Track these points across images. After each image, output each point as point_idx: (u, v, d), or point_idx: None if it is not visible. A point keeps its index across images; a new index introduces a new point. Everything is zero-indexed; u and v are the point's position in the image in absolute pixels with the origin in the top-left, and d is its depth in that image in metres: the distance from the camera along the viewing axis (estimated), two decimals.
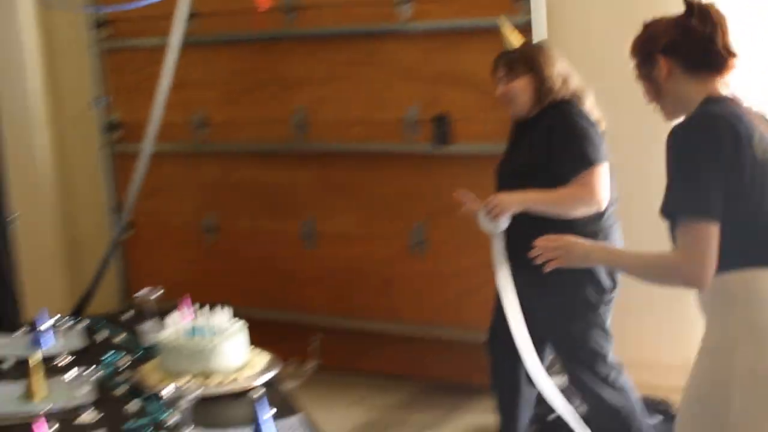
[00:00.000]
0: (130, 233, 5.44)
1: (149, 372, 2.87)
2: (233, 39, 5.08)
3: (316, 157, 4.99)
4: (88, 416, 2.62)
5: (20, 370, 2.99)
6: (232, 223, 5.26)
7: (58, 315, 3.53)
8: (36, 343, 3.25)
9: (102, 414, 2.64)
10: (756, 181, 2.25)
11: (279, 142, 5.02)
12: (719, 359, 2.28)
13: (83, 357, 3.17)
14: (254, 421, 2.35)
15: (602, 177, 3.27)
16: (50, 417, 2.57)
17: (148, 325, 3.43)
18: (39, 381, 2.76)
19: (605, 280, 3.38)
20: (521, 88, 3.43)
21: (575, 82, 3.46)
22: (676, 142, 2.29)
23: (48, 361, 3.06)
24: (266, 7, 4.56)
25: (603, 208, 3.29)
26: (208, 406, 2.62)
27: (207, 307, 3.01)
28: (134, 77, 5.39)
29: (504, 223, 3.27)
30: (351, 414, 4.50)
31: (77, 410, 2.65)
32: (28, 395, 2.75)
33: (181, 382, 2.69)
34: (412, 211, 4.73)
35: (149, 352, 3.15)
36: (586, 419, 3.44)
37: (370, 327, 4.95)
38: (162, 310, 3.50)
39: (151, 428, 2.51)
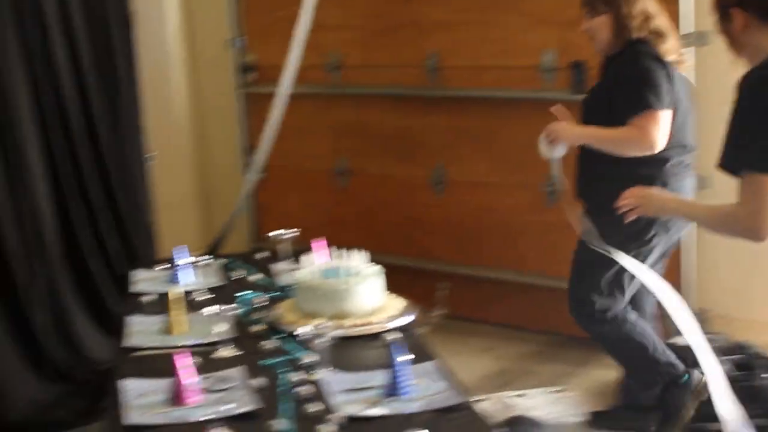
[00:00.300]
0: (262, 176, 5.50)
1: (285, 311, 2.90)
2: None
3: (449, 102, 4.92)
4: (226, 352, 2.67)
5: (160, 304, 3.07)
6: (363, 167, 5.26)
7: (196, 253, 3.59)
8: (175, 279, 3.32)
9: (239, 350, 2.68)
10: None
11: (412, 86, 4.98)
12: None
13: (220, 294, 3.22)
14: (390, 365, 2.34)
15: (658, 122, 3.27)
16: (190, 351, 2.62)
17: (283, 266, 3.47)
18: (179, 316, 2.82)
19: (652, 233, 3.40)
20: (600, 25, 3.44)
21: (657, 22, 3.40)
22: (742, 91, 2.27)
23: (187, 296, 3.12)
24: None
25: (655, 151, 3.29)
26: (343, 348, 2.63)
27: (343, 250, 3.00)
28: (270, 18, 5.41)
29: (560, 150, 3.43)
30: (480, 362, 4.48)
31: (215, 345, 2.70)
32: (168, 329, 2.82)
33: (317, 322, 2.70)
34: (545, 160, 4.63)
35: (285, 292, 3.18)
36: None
37: (497, 276, 4.91)
38: (295, 252, 3.55)
39: (288, 367, 2.53)
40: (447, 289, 4.75)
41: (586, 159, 3.48)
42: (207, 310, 2.80)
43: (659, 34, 3.38)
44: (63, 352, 4.42)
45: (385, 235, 5.14)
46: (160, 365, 2.53)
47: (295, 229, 3.54)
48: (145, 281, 3.40)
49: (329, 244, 3.27)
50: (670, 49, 3.40)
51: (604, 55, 3.53)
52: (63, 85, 4.50)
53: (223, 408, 2.21)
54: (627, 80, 3.35)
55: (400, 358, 2.33)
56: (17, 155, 4.27)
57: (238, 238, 5.52)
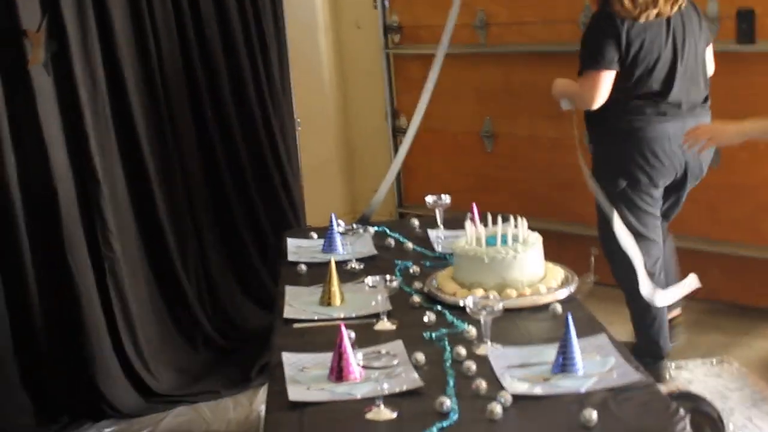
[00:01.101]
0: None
1: (443, 281, 2.80)
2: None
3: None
4: (385, 324, 2.60)
5: (314, 274, 3.02)
6: (510, 129, 5.12)
7: (345, 220, 3.54)
8: (329, 248, 3.27)
9: (398, 323, 2.61)
10: None
11: (560, 42, 4.79)
12: None
13: (375, 264, 3.15)
14: (563, 339, 2.22)
15: (591, 81, 3.60)
16: (348, 324, 2.56)
17: (436, 233, 3.38)
18: (336, 287, 2.76)
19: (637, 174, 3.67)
20: None
21: None
22: None
23: (340, 265, 3.06)
24: None
25: (592, 108, 3.63)
26: (508, 320, 2.52)
27: (499, 216, 2.88)
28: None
29: (564, 104, 3.81)
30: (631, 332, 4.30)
31: (374, 318, 2.63)
32: (325, 300, 2.76)
33: (480, 293, 2.60)
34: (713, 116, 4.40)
35: (440, 261, 3.09)
36: None
37: None
38: (446, 219, 3.45)
39: (450, 340, 2.44)
40: (597, 254, 4.62)
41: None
42: (368, 280, 2.72)
43: None
44: (214, 321, 4.47)
45: (532, 199, 4.99)
46: (318, 338, 2.49)
47: (446, 195, 3.44)
48: (299, 250, 3.36)
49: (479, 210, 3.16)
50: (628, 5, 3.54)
51: None
52: (213, 51, 4.51)
53: (386, 385, 2.13)
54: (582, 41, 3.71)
55: (571, 331, 2.21)
56: (169, 121, 4.31)
57: (384, 205, 5.47)
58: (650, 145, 3.62)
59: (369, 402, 2.13)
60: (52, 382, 3.84)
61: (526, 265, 2.69)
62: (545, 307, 2.61)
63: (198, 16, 4.44)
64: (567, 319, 2.22)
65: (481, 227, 2.83)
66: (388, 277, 2.66)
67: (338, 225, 3.36)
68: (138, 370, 3.99)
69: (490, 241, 2.75)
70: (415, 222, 3.57)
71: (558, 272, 2.81)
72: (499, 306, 2.37)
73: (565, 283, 2.75)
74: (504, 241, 2.74)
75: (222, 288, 4.57)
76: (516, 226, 2.80)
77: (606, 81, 3.58)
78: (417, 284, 2.88)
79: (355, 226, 3.46)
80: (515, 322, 2.54)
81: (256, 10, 4.70)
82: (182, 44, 4.38)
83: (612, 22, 3.56)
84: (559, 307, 2.59)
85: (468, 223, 2.83)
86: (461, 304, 2.50)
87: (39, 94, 3.67)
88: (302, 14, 5.39)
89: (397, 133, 5.52)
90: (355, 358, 2.26)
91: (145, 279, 4.20)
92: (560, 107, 3.84)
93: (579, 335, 2.31)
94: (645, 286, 3.45)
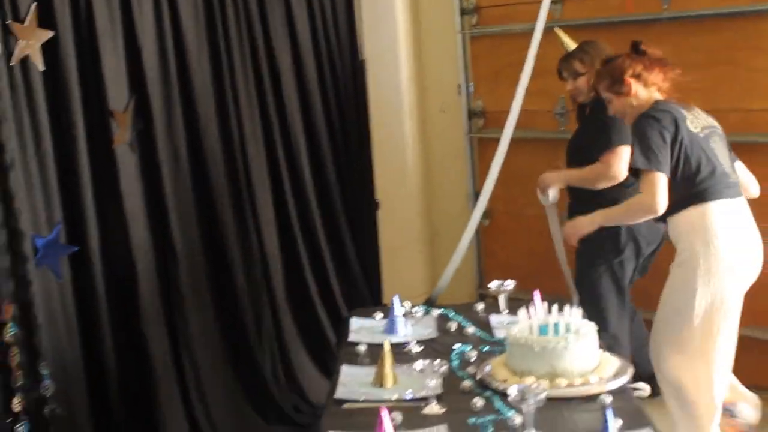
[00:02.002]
0: (486, 222, 5.46)
1: (496, 367, 2.83)
2: (600, 23, 4.92)
3: None
4: (433, 408, 2.64)
5: (372, 355, 3.08)
6: None
7: (410, 303, 3.60)
8: (390, 330, 3.33)
9: (447, 407, 2.64)
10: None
11: None
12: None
13: (434, 346, 3.20)
14: (601, 431, 2.23)
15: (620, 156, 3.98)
16: (396, 405, 2.62)
17: (498, 318, 3.41)
18: (388, 369, 2.82)
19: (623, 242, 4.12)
20: (582, 84, 4.22)
21: None
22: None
23: (399, 347, 3.13)
24: None
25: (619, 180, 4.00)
26: (555, 409, 2.54)
27: (558, 305, 2.90)
28: (498, 63, 5.40)
29: (552, 196, 4.20)
30: None
31: (423, 401, 2.67)
32: (378, 382, 2.82)
33: (529, 381, 2.62)
34: None
35: (499, 346, 3.12)
36: None
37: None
38: (514, 303, 3.48)
39: (494, 427, 2.47)
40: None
41: (571, 193, 4.30)
42: (419, 364, 2.78)
43: None
44: (287, 395, 4.55)
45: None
46: (365, 419, 2.54)
47: (512, 280, 3.48)
48: (361, 330, 3.43)
49: (550, 295, 3.18)
50: None
51: (579, 103, 4.33)
52: (294, 131, 4.69)
53: None
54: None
55: (612, 424, 2.22)
56: (249, 198, 4.46)
57: (463, 286, 5.51)
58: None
59: None
60: None
61: (576, 354, 2.71)
62: (595, 398, 2.61)
63: (280, 98, 4.63)
64: (605, 412, 2.23)
65: (538, 314, 2.86)
66: (437, 361, 2.71)
67: (401, 305, 3.41)
68: None
69: (543, 330, 2.77)
70: (480, 306, 3.61)
71: (613, 363, 2.81)
72: (542, 396, 2.39)
73: (618, 374, 2.74)
74: (556, 331, 2.76)
75: (296, 362, 4.65)
76: (572, 315, 2.82)
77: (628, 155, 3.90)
78: (471, 369, 2.92)
79: (415, 309, 3.51)
80: (562, 413, 2.55)
81: (337, 92, 4.87)
82: (264, 123, 4.57)
83: None
84: (608, 399, 2.59)
85: (522, 311, 2.86)
86: (509, 392, 2.52)
87: (123, 172, 3.87)
88: (387, 96, 5.52)
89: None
90: None
91: (219, 349, 4.32)
92: (543, 202, 4.27)
93: (624, 428, 2.33)
94: None
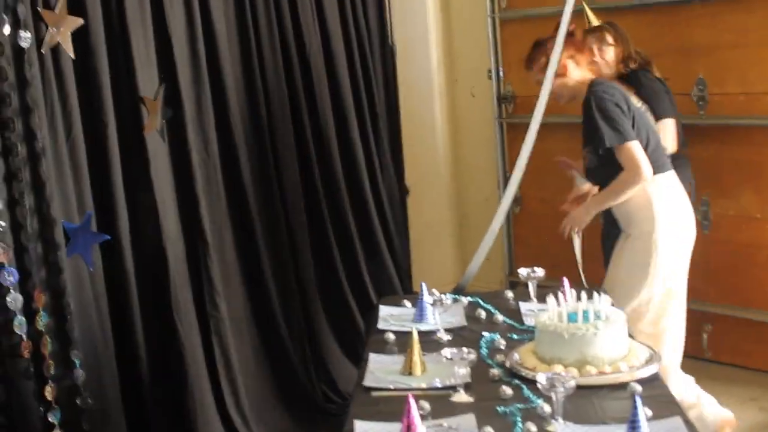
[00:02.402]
0: (517, 209, 5.45)
1: (525, 355, 2.83)
2: (632, 5, 4.89)
3: (715, 131, 4.68)
4: (461, 396, 2.64)
5: (401, 343, 3.09)
6: None
7: (438, 291, 3.59)
8: (419, 318, 3.33)
9: (475, 395, 2.65)
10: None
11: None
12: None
13: (463, 334, 3.20)
14: (630, 419, 2.22)
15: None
16: (425, 394, 2.62)
17: (528, 306, 3.41)
18: (417, 357, 2.82)
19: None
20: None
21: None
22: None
23: (428, 335, 3.13)
24: None
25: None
26: (584, 397, 2.53)
27: (587, 292, 2.89)
28: (528, 47, 5.36)
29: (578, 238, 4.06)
30: (743, 413, 4.18)
31: (452, 389, 2.68)
32: (407, 370, 2.83)
33: (558, 369, 2.62)
34: None
35: (528, 334, 3.12)
36: None
37: (765, 319, 4.60)
38: (544, 291, 3.47)
39: (523, 416, 2.47)
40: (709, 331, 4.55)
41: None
42: (447, 352, 2.78)
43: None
44: (316, 383, 4.57)
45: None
46: (393, 407, 2.54)
47: (541, 268, 3.47)
48: (389, 318, 3.44)
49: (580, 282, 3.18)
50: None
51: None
52: (323, 117, 4.69)
53: None
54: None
55: (641, 413, 2.21)
56: (278, 185, 4.48)
57: (493, 273, 5.50)
58: None
59: None
60: None
61: (606, 342, 2.69)
62: (624, 386, 2.60)
63: (309, 84, 4.64)
64: (635, 399, 2.22)
65: (567, 302, 2.85)
66: (465, 349, 2.71)
67: (429, 295, 3.42)
68: (238, 429, 4.12)
69: (572, 317, 2.77)
70: (509, 294, 3.61)
71: (643, 351, 2.80)
72: (571, 384, 2.38)
73: (648, 362, 2.73)
74: (586, 318, 2.75)
75: (325, 350, 4.68)
76: (601, 302, 2.81)
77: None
78: (500, 357, 2.91)
79: (444, 296, 3.51)
80: (591, 401, 2.55)
81: (366, 77, 4.87)
82: (293, 109, 4.58)
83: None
84: (638, 387, 2.58)
85: (550, 298, 2.86)
86: (537, 380, 2.52)
87: (153, 159, 3.90)
88: (417, 81, 5.52)
89: None
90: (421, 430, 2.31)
91: (250, 339, 4.35)
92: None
93: (653, 417, 2.32)
94: None
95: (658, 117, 4.05)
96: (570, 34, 3.91)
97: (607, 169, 3.78)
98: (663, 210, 3.74)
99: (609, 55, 4.28)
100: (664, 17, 4.79)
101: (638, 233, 3.79)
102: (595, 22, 4.45)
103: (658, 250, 3.74)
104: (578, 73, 3.89)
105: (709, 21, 4.59)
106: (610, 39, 4.27)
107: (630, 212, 3.79)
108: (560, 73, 3.87)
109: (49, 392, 3.44)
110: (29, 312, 3.42)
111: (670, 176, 3.82)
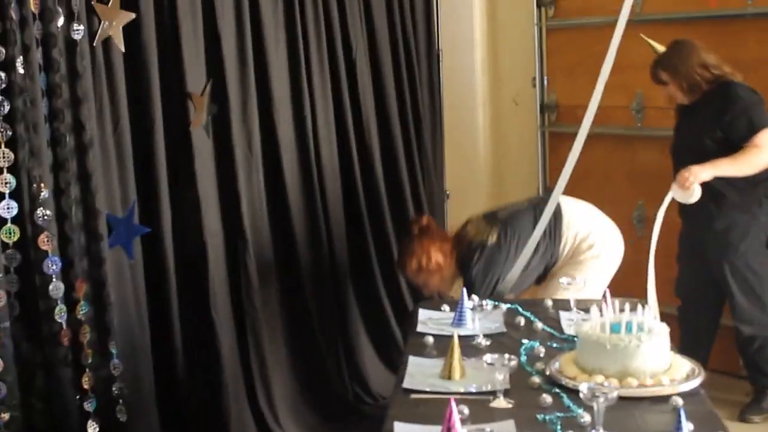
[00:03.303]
0: None
1: (566, 364, 2.82)
2: (682, 18, 4.87)
3: None
4: (501, 402, 2.64)
5: (440, 346, 3.10)
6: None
7: (475, 297, 3.60)
8: (458, 322, 3.34)
9: (515, 402, 2.65)
10: None
11: None
12: None
13: (503, 341, 3.20)
14: None
15: None
16: (464, 398, 2.62)
17: (568, 315, 3.40)
18: (456, 361, 2.83)
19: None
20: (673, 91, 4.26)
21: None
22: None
23: (467, 340, 3.13)
24: None
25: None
26: (625, 409, 2.52)
27: (630, 303, 2.88)
28: (574, 57, 5.37)
29: (698, 193, 3.99)
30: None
31: (491, 395, 2.68)
32: (446, 374, 2.83)
33: (599, 379, 2.61)
34: None
35: (568, 343, 3.11)
36: None
37: None
38: (583, 302, 3.46)
39: (563, 425, 2.47)
40: None
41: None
42: (487, 357, 2.78)
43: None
44: (349, 384, 4.59)
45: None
46: (432, 410, 2.55)
47: (581, 277, 3.46)
48: (429, 321, 3.44)
49: (621, 295, 3.16)
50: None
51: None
52: (366, 119, 4.72)
53: None
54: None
55: (683, 428, 2.20)
56: (319, 186, 4.50)
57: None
58: None
59: None
60: (189, 429, 4.02)
61: (649, 354, 2.68)
62: (666, 400, 2.59)
63: (354, 87, 4.66)
64: (679, 412, 2.22)
65: (609, 313, 2.84)
66: (507, 355, 2.71)
67: (469, 300, 3.42)
68: (270, 425, 4.15)
69: (615, 328, 2.76)
70: (549, 302, 3.60)
71: (684, 365, 2.78)
72: (613, 394, 2.38)
73: (690, 377, 2.72)
74: (629, 329, 2.75)
75: (359, 352, 4.69)
76: (645, 314, 2.80)
77: None
78: (540, 365, 2.91)
79: (485, 302, 3.51)
80: (632, 413, 2.54)
81: (411, 81, 4.88)
82: (337, 111, 4.60)
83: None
84: (680, 401, 2.57)
85: (594, 308, 2.85)
86: (579, 389, 2.51)
87: (197, 155, 3.93)
88: (461, 88, 5.53)
89: None
90: None
91: (284, 337, 4.37)
92: (683, 200, 4.07)
93: (695, 431, 2.30)
94: None
95: (756, 126, 4.06)
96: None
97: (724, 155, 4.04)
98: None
99: (671, 93, 4.31)
100: (712, 31, 4.76)
101: (599, 251, 4.03)
102: (660, 48, 4.39)
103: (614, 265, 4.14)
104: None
105: (761, 36, 4.57)
106: (664, 77, 4.27)
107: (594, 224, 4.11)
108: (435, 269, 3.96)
109: (86, 381, 3.48)
110: (70, 301, 3.46)
111: None
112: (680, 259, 4.53)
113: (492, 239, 3.93)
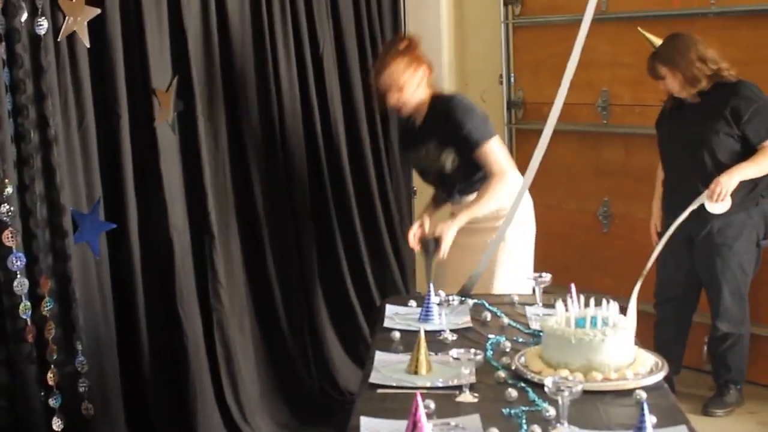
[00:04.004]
0: None
1: (531, 359, 2.83)
2: (647, 16, 4.90)
3: None
4: (467, 397, 2.64)
5: (407, 342, 3.10)
6: (627, 211, 5.10)
7: (442, 292, 3.60)
8: (423, 318, 3.34)
9: (480, 396, 2.65)
10: None
11: None
12: None
13: (468, 336, 3.20)
14: (637, 426, 2.22)
15: None
16: (430, 393, 2.63)
17: (534, 310, 3.41)
18: (423, 356, 2.83)
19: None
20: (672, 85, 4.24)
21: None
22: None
23: (433, 335, 3.13)
24: None
25: None
26: (589, 403, 2.53)
27: (595, 298, 2.89)
28: (540, 55, 5.40)
29: (728, 201, 4.04)
30: (742, 428, 4.20)
31: (457, 389, 2.68)
32: (413, 369, 2.83)
33: (564, 373, 2.62)
34: None
35: (533, 338, 3.12)
36: None
37: None
38: (550, 296, 3.48)
39: (528, 418, 2.47)
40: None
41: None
42: (453, 352, 2.79)
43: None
44: (316, 379, 4.58)
45: (646, 282, 4.92)
46: (399, 405, 2.55)
47: (548, 273, 3.47)
48: (395, 317, 3.44)
49: (588, 289, 3.17)
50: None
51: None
52: (333, 116, 4.71)
53: None
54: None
55: (647, 420, 2.21)
56: (286, 182, 4.49)
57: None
58: None
59: None
60: (156, 426, 4.00)
61: (613, 348, 2.69)
62: (630, 393, 2.60)
63: (321, 83, 4.65)
64: (642, 406, 2.23)
65: (574, 307, 2.86)
66: (473, 350, 2.71)
67: (436, 295, 3.42)
68: (237, 422, 4.13)
69: (580, 322, 2.77)
70: (515, 297, 3.61)
71: (648, 359, 2.80)
72: (578, 388, 2.38)
73: (654, 371, 2.74)
74: (594, 324, 2.76)
75: (326, 347, 4.68)
76: (609, 309, 2.82)
77: None
78: (505, 360, 2.92)
79: (452, 297, 3.52)
80: (597, 406, 2.55)
81: None
82: (304, 107, 4.59)
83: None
84: (643, 394, 2.58)
85: (559, 303, 2.86)
86: (544, 383, 2.52)
87: (163, 151, 3.91)
88: None
89: None
90: (427, 429, 2.31)
91: (251, 333, 4.36)
92: (716, 211, 4.06)
93: (658, 425, 2.32)
94: None
95: None
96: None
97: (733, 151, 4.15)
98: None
99: (668, 87, 4.30)
100: (676, 30, 4.79)
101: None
102: (657, 42, 4.36)
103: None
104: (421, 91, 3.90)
105: (723, 35, 4.61)
106: (662, 72, 4.26)
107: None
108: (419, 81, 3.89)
109: (50, 377, 3.46)
110: (35, 297, 3.44)
111: None
112: (661, 259, 4.49)
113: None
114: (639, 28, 4.45)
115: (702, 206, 4.06)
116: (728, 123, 4.13)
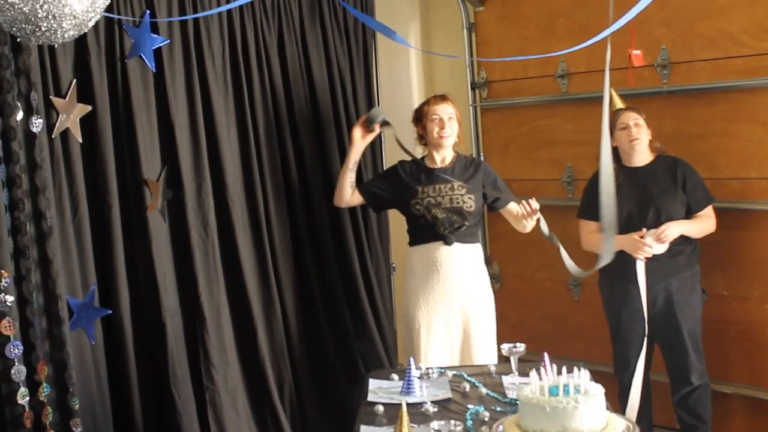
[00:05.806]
0: (498, 286, 5.47)
1: (509, 427, 2.82)
2: (601, 96, 4.96)
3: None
4: None
5: (390, 415, 3.08)
6: (596, 278, 5.10)
7: (422, 365, 3.59)
8: (405, 391, 3.32)
9: None
10: None
11: None
12: None
13: (448, 406, 3.19)
14: None
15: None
16: None
17: (510, 380, 3.41)
18: (406, 429, 2.81)
19: None
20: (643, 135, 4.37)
21: None
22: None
23: (415, 407, 3.12)
24: (640, 64, 4.51)
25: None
26: None
27: (567, 366, 2.89)
28: (507, 134, 5.45)
29: (666, 245, 4.21)
30: None
31: None
32: None
33: None
34: None
35: (511, 407, 3.11)
36: None
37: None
38: (526, 365, 3.47)
39: None
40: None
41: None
42: (435, 424, 2.78)
43: None
44: None
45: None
46: None
47: (522, 343, 3.47)
48: (378, 390, 3.43)
49: (560, 355, 3.18)
50: None
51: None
52: (315, 204, 4.70)
53: None
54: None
55: None
56: (272, 264, 4.47)
57: None
58: None
59: None
60: None
61: (586, 414, 2.69)
62: None
63: (303, 172, 4.65)
64: None
65: (548, 376, 2.85)
66: (453, 421, 2.71)
67: (416, 368, 3.41)
68: None
69: (553, 390, 2.77)
70: (492, 368, 3.61)
71: (620, 423, 2.79)
72: None
73: None
74: (566, 392, 2.76)
75: (314, 421, 4.63)
76: (580, 377, 2.81)
77: None
78: (485, 429, 2.91)
79: (430, 370, 3.50)
80: None
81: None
82: (288, 197, 4.59)
83: None
84: None
85: (533, 372, 2.86)
86: None
87: (154, 237, 3.91)
88: (395, 81, 5.60)
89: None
90: None
91: (244, 410, 4.30)
92: (654, 251, 4.20)
93: None
94: None
95: (710, 201, 4.35)
96: None
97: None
98: None
99: (639, 135, 4.37)
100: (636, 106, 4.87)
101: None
102: (620, 104, 4.52)
103: None
104: None
105: (677, 111, 4.68)
106: (642, 118, 4.37)
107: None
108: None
109: None
110: (32, 383, 3.40)
111: None
112: (620, 334, 4.47)
113: None
114: (612, 89, 4.45)
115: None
116: (682, 193, 4.29)
